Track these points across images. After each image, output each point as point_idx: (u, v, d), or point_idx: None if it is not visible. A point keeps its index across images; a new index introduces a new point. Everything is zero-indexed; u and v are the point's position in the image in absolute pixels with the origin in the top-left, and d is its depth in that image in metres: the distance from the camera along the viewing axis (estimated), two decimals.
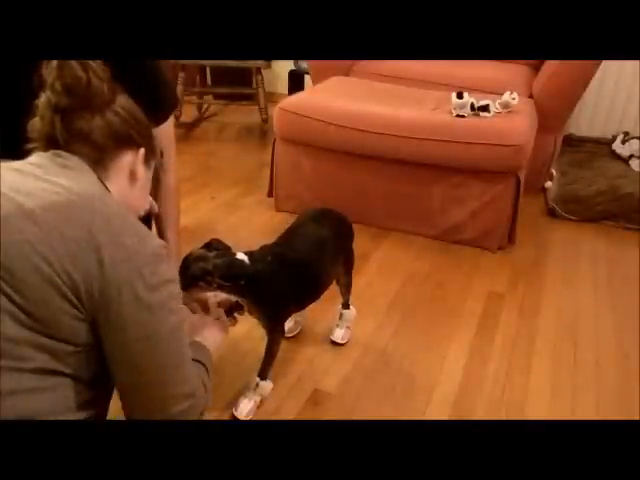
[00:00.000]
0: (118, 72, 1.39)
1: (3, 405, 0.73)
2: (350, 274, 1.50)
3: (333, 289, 1.50)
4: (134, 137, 0.95)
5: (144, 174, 0.99)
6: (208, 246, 1.19)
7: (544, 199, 2.55)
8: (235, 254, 1.20)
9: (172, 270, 0.91)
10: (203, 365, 1.02)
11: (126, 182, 0.96)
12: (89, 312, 0.79)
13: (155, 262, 0.84)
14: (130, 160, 0.95)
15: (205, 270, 1.12)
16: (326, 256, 1.34)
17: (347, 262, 1.47)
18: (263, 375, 1.29)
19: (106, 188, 0.91)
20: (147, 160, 0.99)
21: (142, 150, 0.97)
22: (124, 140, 0.94)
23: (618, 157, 2.75)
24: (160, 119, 1.53)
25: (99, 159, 0.91)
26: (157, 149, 1.04)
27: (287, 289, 1.25)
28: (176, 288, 0.90)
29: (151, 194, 1.44)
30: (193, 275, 1.12)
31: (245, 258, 1.19)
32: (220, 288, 1.15)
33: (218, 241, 1.22)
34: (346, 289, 1.52)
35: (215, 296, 1.22)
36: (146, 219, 1.54)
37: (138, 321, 0.82)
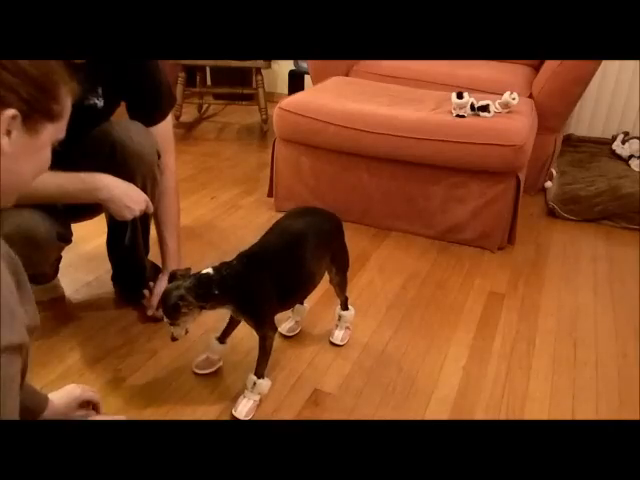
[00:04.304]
0: (117, 72, 1.39)
1: None
2: (343, 273, 1.48)
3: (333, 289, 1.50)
4: None
5: (17, 142, 0.73)
6: (173, 278, 1.24)
7: (544, 199, 2.55)
8: (200, 272, 1.24)
9: (10, 330, 0.64)
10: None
11: None
12: None
13: None
14: None
15: (180, 296, 1.17)
16: (306, 253, 1.32)
17: (337, 260, 1.44)
18: (259, 373, 1.30)
19: None
20: (30, 122, 0.73)
21: (10, 112, 0.70)
22: None
23: (618, 157, 2.75)
24: (157, 117, 1.52)
25: None
26: (49, 103, 0.78)
27: (263, 287, 1.26)
28: (14, 352, 0.65)
29: (149, 194, 1.45)
30: (173, 305, 1.18)
31: (210, 270, 1.24)
32: (201, 307, 1.21)
33: (177, 271, 1.26)
34: (340, 289, 1.50)
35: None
36: (144, 220, 1.54)
37: None
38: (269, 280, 1.26)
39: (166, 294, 1.20)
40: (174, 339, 1.25)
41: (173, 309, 1.18)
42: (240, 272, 1.24)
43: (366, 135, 2.07)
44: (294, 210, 1.44)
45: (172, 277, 1.24)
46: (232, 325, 1.40)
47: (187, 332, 1.26)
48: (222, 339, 1.41)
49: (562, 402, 1.40)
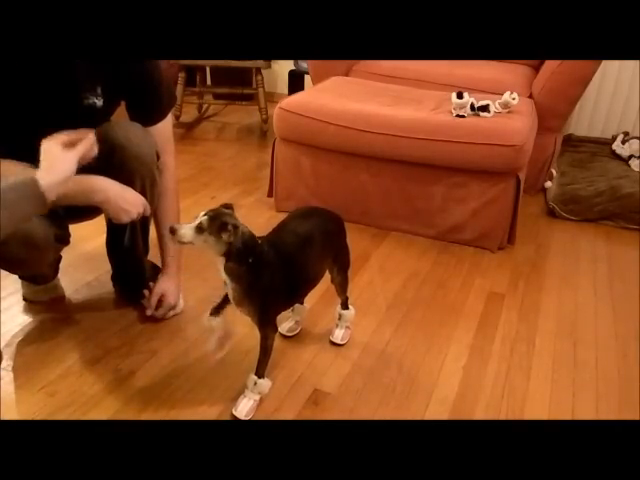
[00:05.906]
0: (116, 71, 1.39)
1: None
2: (344, 273, 1.48)
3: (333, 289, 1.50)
4: None
5: None
6: (228, 208, 1.22)
7: (544, 199, 2.55)
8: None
9: None
10: None
11: None
12: None
13: None
14: None
15: (225, 223, 1.15)
16: (313, 253, 1.33)
17: (338, 260, 1.44)
18: (260, 373, 1.29)
19: None
20: None
21: None
22: None
23: (618, 157, 2.74)
24: (157, 117, 1.52)
25: None
26: None
27: (278, 280, 1.25)
28: None
29: (148, 196, 1.44)
30: (224, 223, 1.15)
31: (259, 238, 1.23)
32: (224, 249, 1.16)
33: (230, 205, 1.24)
34: (341, 288, 1.50)
35: None
36: (143, 220, 1.54)
37: None
38: (283, 276, 1.26)
39: (226, 214, 1.18)
40: (177, 237, 1.17)
41: (218, 223, 1.15)
42: (269, 260, 1.23)
43: (366, 135, 2.07)
44: (299, 210, 1.43)
45: (227, 207, 1.23)
46: (224, 302, 1.33)
47: (184, 242, 1.18)
48: (215, 312, 1.32)
49: (562, 402, 1.40)
